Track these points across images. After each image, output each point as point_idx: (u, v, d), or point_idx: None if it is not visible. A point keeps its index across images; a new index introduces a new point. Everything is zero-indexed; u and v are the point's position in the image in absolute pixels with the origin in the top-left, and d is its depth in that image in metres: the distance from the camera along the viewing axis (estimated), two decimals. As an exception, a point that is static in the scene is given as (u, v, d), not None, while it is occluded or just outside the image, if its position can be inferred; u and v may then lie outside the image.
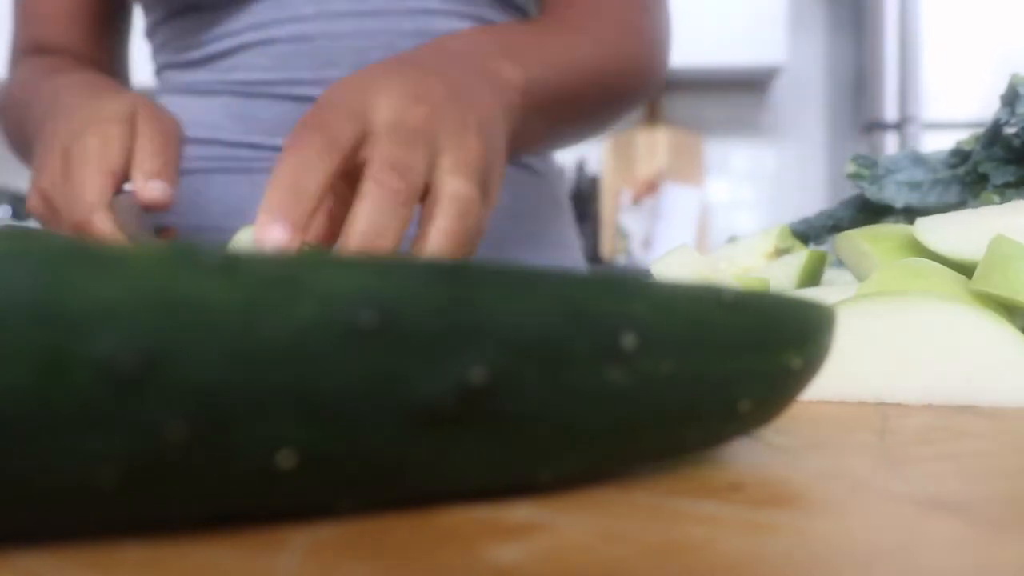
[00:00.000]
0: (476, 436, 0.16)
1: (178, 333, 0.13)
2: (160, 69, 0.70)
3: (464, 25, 0.64)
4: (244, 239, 0.41)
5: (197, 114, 0.64)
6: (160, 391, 0.13)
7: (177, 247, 0.14)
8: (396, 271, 0.15)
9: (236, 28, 0.63)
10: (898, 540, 0.15)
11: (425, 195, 0.40)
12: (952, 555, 0.15)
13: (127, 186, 0.49)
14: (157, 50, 0.70)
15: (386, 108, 0.40)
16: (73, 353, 0.13)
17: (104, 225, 0.46)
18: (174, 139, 0.51)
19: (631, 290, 0.17)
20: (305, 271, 0.14)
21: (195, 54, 0.65)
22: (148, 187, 0.47)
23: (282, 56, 0.62)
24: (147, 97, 0.53)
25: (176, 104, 0.66)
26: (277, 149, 0.63)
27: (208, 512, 0.15)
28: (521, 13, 0.67)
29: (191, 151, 0.63)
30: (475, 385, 0.15)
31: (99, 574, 0.13)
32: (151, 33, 0.70)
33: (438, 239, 0.39)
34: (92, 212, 0.46)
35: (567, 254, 0.73)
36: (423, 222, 0.39)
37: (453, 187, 0.39)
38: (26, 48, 0.69)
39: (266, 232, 0.36)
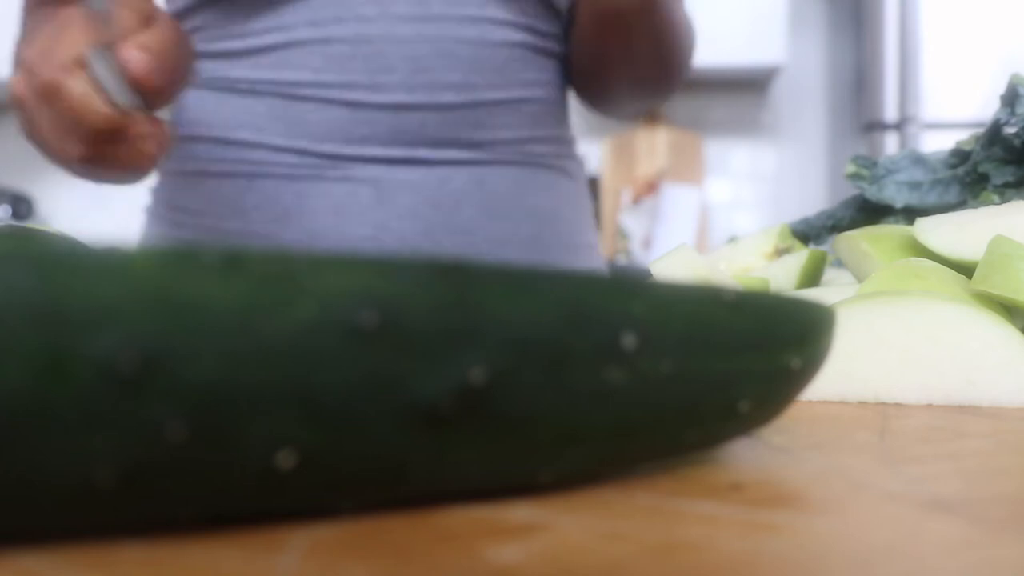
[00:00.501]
0: (476, 436, 0.16)
1: (178, 333, 0.13)
2: None
3: (519, 36, 0.64)
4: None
5: (239, 114, 0.62)
6: (160, 391, 0.13)
7: (177, 247, 0.14)
8: (396, 271, 0.15)
9: (289, 22, 0.60)
10: (898, 540, 0.15)
11: None
12: (952, 555, 0.15)
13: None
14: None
15: None
16: (73, 353, 0.13)
17: (74, 85, 0.42)
18: (183, 46, 0.48)
19: (631, 290, 0.17)
20: (305, 271, 0.14)
21: (236, 44, 0.62)
22: (132, 55, 0.43)
23: (337, 57, 0.60)
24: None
25: (214, 102, 0.63)
26: (325, 156, 0.60)
27: (208, 512, 0.15)
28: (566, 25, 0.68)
29: (232, 153, 0.61)
30: (475, 385, 0.15)
31: (99, 574, 0.13)
32: (182, 16, 0.66)
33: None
34: (63, 70, 0.42)
35: (592, 255, 0.74)
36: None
37: None
38: None
39: None
